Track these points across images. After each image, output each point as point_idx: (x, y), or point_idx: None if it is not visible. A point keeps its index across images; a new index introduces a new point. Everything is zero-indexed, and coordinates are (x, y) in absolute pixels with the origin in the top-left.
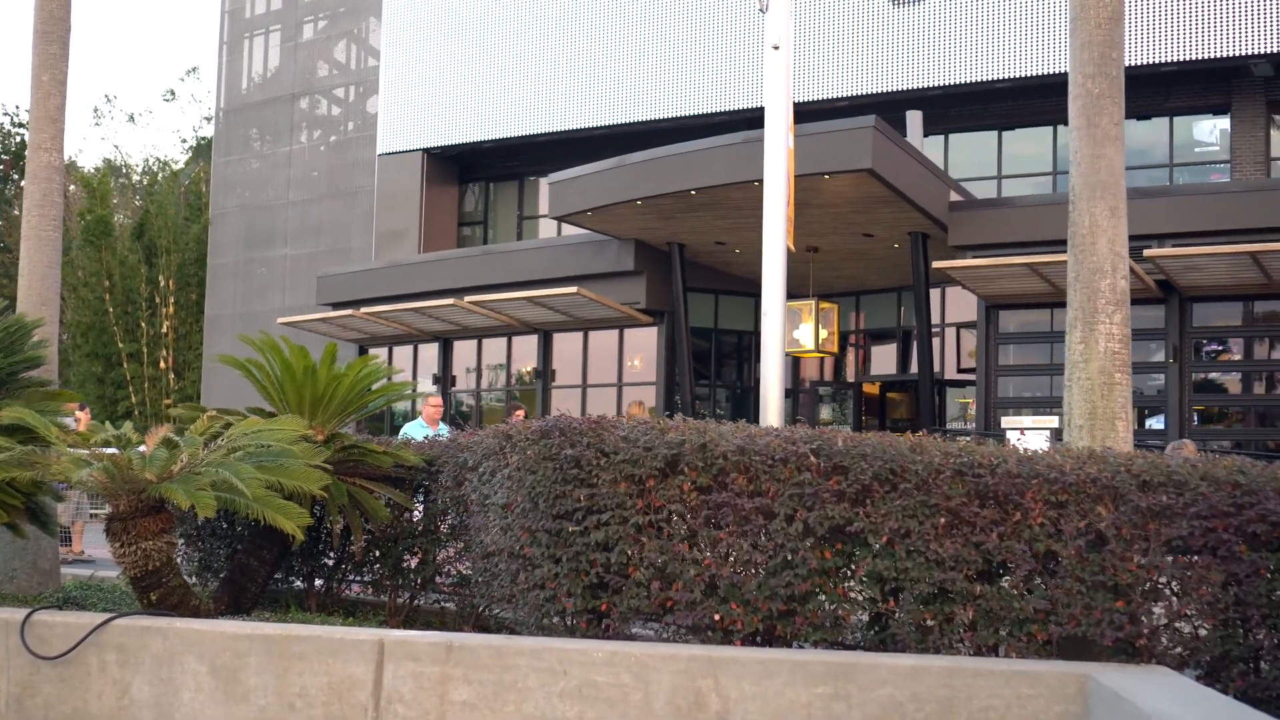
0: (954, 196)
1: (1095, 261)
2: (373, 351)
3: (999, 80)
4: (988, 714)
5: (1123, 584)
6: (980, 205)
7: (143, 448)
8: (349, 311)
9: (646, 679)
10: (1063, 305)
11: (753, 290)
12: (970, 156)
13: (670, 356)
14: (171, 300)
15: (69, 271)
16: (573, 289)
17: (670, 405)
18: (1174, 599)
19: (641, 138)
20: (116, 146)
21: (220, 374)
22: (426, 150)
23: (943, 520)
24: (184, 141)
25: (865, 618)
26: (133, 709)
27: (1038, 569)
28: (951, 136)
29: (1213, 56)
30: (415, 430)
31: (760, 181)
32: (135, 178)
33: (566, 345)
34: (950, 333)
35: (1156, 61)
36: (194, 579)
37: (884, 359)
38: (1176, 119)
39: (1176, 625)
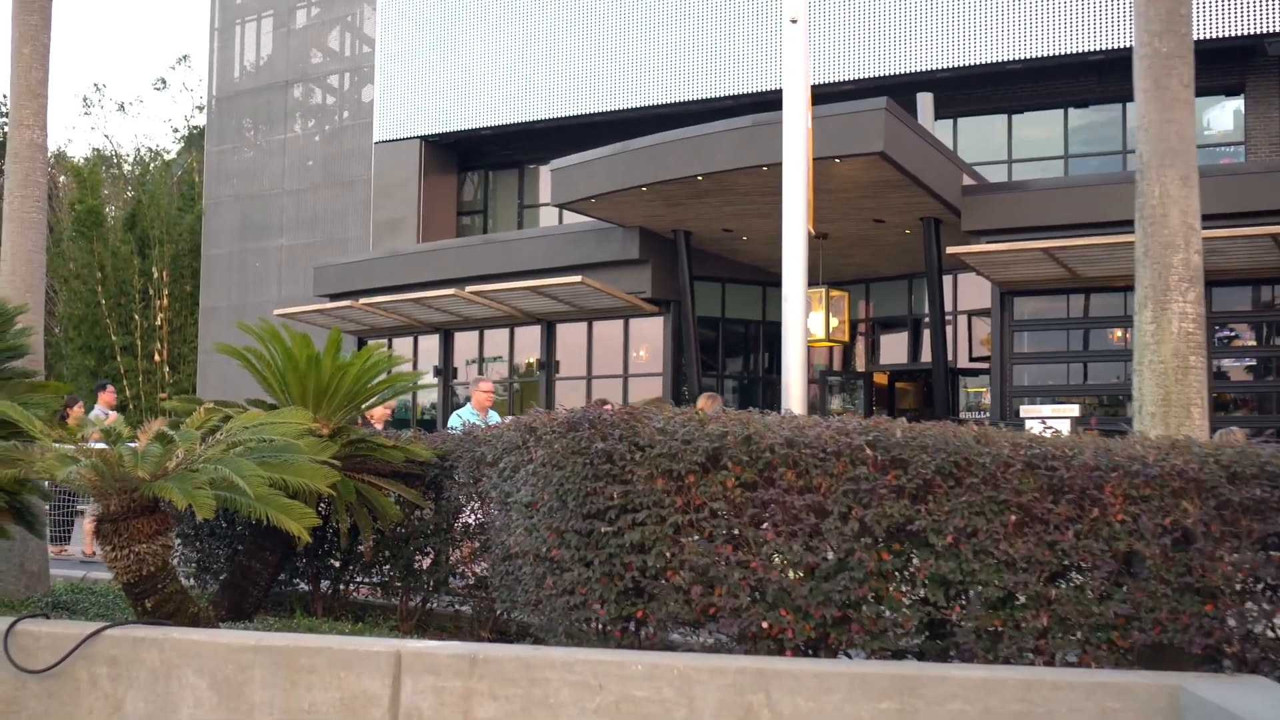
0: (966, 180)
1: (1167, 235)
2: (372, 343)
3: (1009, 62)
4: None
5: (1212, 585)
6: (994, 189)
7: (135, 443)
8: (347, 303)
9: (691, 693)
10: (1079, 291)
11: (760, 278)
12: (980, 140)
13: (677, 347)
14: (165, 292)
15: (60, 263)
16: (577, 278)
17: (677, 396)
18: (1269, 601)
19: (642, 123)
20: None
21: (216, 367)
22: (424, 138)
23: (1013, 518)
24: (176, 131)
25: (917, 623)
26: None
27: (1118, 570)
28: (961, 120)
29: (1226, 35)
30: (465, 418)
31: (769, 166)
32: (126, 168)
33: (570, 336)
34: (962, 320)
35: None
36: (191, 582)
37: (894, 347)
38: None
39: (1273, 630)
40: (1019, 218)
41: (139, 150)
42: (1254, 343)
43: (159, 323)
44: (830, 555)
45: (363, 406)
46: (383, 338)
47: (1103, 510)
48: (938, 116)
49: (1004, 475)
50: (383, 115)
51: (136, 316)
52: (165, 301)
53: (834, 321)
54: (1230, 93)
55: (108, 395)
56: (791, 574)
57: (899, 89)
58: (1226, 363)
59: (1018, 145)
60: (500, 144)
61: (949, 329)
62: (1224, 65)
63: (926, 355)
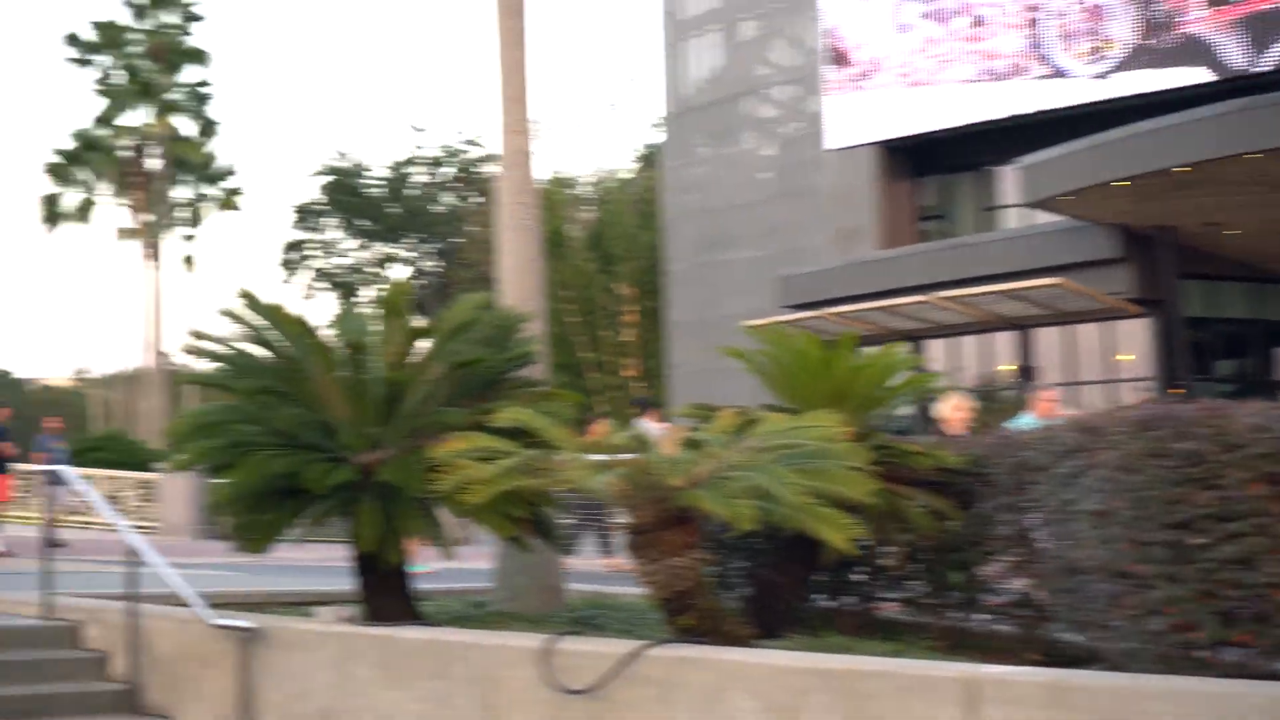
0: None
1: None
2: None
3: None
4: None
5: None
6: None
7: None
8: (814, 313)
9: None
10: None
11: (1254, 274)
12: None
13: (1164, 350)
14: (632, 309)
15: None
16: (1055, 280)
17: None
18: None
19: (1107, 117)
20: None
21: (686, 382)
22: (877, 144)
23: None
24: (632, 150)
25: None
26: None
27: None
28: None
29: None
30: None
31: (1266, 153)
32: (584, 188)
33: (1046, 340)
34: None
35: None
36: None
37: None
38: None
39: None
40: None
41: (596, 170)
42: None
43: (627, 339)
44: None
45: (879, 409)
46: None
47: None
48: None
49: None
50: (833, 123)
51: (604, 333)
52: (632, 318)
53: None
54: None
55: (651, 415)
56: None
57: None
58: None
59: None
60: (957, 146)
61: None
62: None
63: None
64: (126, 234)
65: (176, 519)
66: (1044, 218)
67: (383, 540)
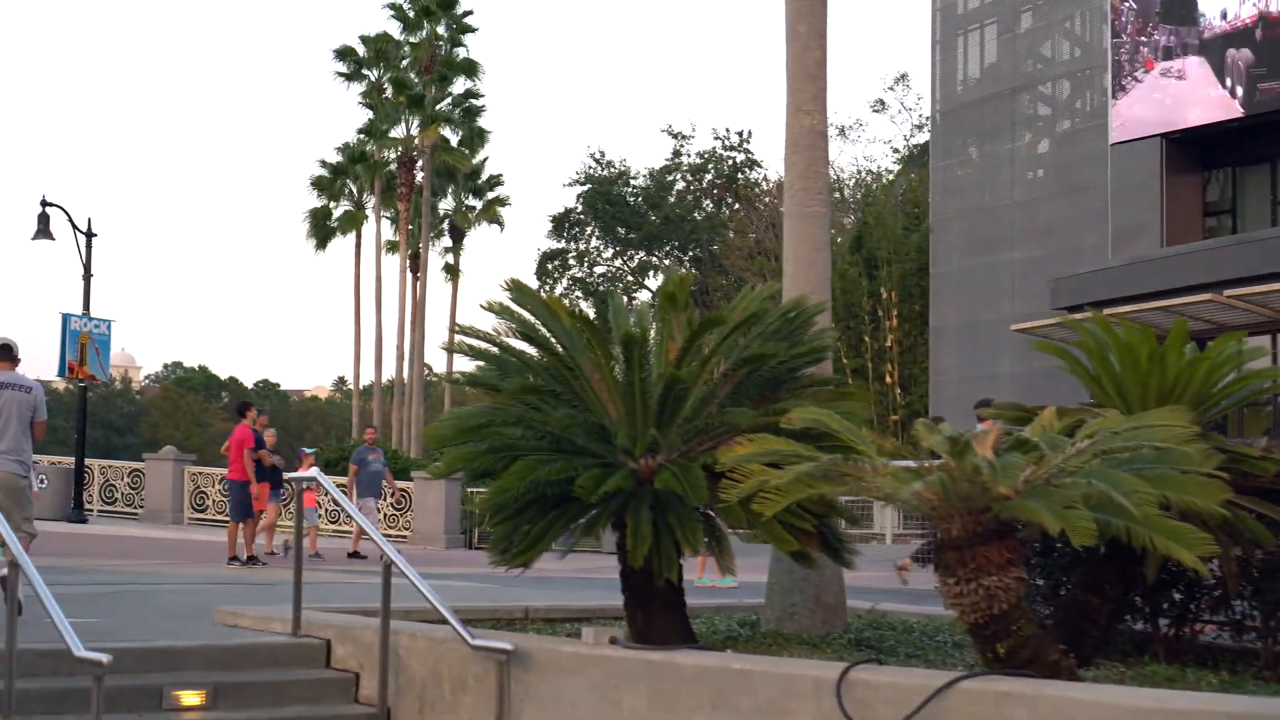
0: None
1: None
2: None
3: None
4: None
5: None
6: None
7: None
8: (1089, 314)
9: None
10: None
11: None
12: None
13: None
14: (894, 313)
15: None
16: None
17: None
18: None
19: None
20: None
21: (949, 389)
22: (1164, 136)
23: None
24: (895, 151)
25: None
26: None
27: None
28: None
29: None
30: None
31: None
32: (846, 191)
33: None
34: None
35: None
36: None
37: None
38: None
39: None
40: None
41: (859, 173)
42: None
43: (889, 344)
44: None
45: (1213, 409)
46: None
47: None
48: None
49: None
50: (1118, 116)
51: (866, 338)
52: (895, 322)
53: None
54: None
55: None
56: None
57: None
58: None
59: None
60: (1246, 137)
61: None
62: None
63: None
64: (390, 246)
65: (428, 528)
66: None
67: (657, 554)
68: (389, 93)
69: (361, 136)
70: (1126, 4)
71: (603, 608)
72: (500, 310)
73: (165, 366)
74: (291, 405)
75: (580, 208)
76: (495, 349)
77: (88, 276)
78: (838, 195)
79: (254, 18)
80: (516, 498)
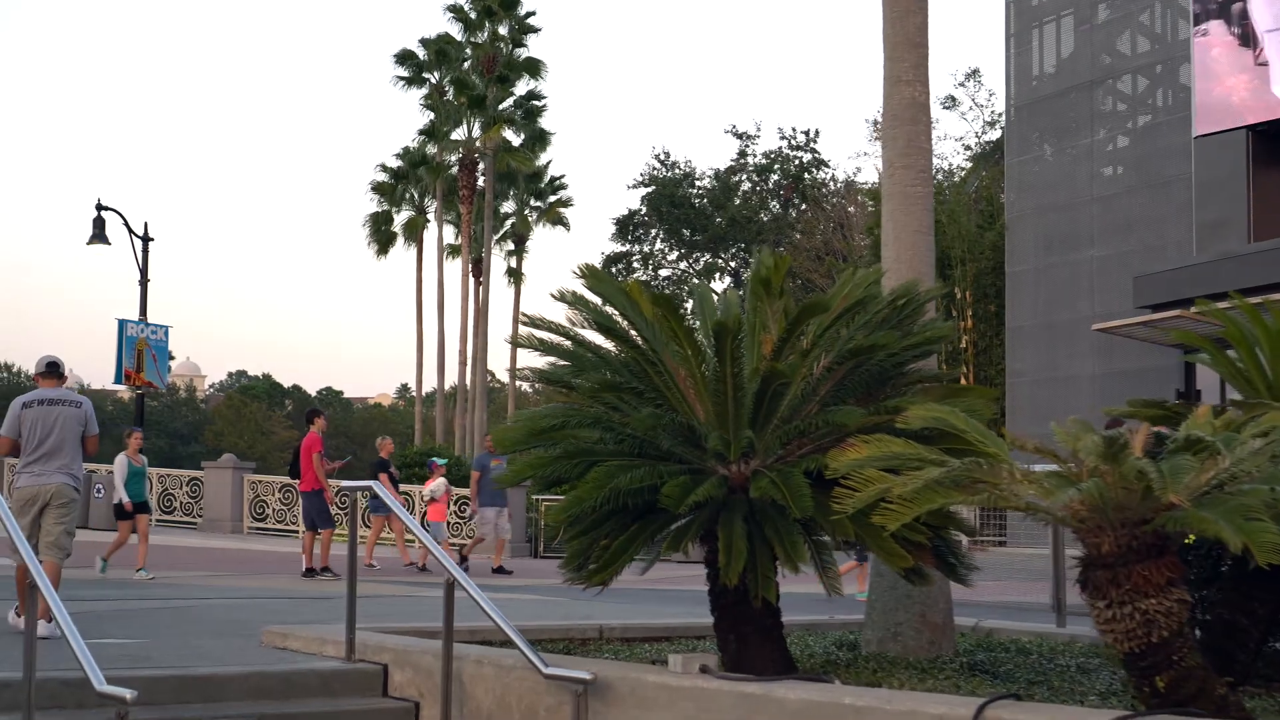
0: None
1: None
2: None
3: None
4: None
5: None
6: None
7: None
8: (1174, 313)
9: None
10: None
11: None
12: None
13: None
14: (969, 313)
15: None
16: None
17: None
18: None
19: None
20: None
21: (1025, 390)
22: (1249, 128)
23: None
24: (967, 149)
25: None
26: None
27: None
28: None
29: None
30: None
31: None
32: None
33: None
34: None
35: None
36: None
37: None
38: None
39: None
40: None
41: (933, 169)
42: None
43: (964, 345)
44: None
45: None
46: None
47: None
48: None
49: None
50: (1202, 107)
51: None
52: (969, 323)
53: None
54: None
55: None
56: None
57: None
58: None
59: None
60: None
61: None
62: None
63: None
64: (451, 250)
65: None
66: None
67: (753, 571)
68: (450, 95)
69: (422, 139)
70: None
71: (685, 626)
72: (574, 300)
73: (230, 375)
74: (355, 413)
75: (644, 209)
76: (568, 342)
77: (144, 282)
78: None
79: (314, 23)
80: (594, 508)
